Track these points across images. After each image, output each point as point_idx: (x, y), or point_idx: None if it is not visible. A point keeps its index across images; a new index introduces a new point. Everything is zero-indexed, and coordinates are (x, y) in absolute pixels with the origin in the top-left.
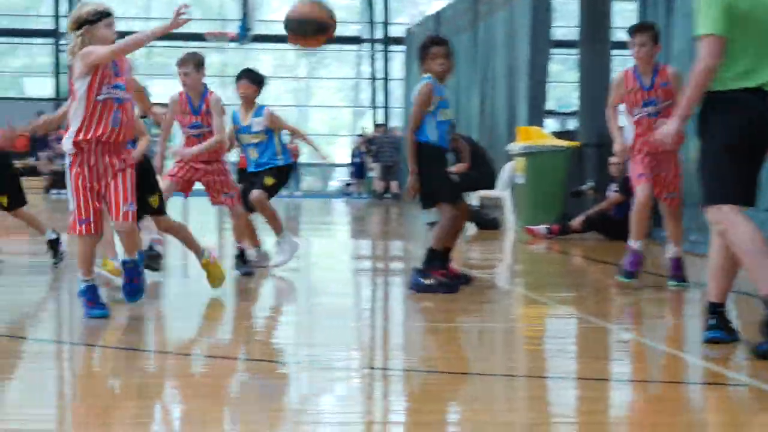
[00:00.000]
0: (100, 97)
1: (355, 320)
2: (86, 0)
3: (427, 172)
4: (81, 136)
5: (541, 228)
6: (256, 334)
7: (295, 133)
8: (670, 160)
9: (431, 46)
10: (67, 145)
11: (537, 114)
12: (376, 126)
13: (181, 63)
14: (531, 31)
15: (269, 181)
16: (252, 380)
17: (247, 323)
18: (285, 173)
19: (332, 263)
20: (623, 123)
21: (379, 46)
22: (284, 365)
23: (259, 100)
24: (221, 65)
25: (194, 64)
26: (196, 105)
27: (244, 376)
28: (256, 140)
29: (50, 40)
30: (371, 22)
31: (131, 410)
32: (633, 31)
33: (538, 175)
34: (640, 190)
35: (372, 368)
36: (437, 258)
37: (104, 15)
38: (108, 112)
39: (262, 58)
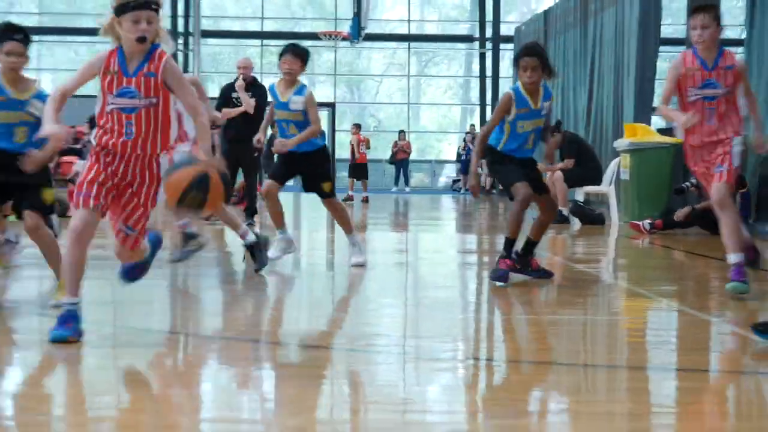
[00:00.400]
0: (107, 109)
1: (461, 312)
2: None
3: (495, 170)
4: (97, 141)
5: (645, 223)
6: (363, 325)
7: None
8: (717, 150)
9: (522, 56)
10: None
11: (644, 111)
12: (484, 123)
13: None
14: (640, 28)
15: (327, 187)
16: (360, 370)
17: (354, 315)
18: (327, 156)
19: (439, 257)
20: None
21: (488, 45)
22: (391, 356)
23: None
24: (335, 63)
25: None
26: None
27: (352, 366)
28: (293, 118)
29: (257, 42)
30: (481, 21)
31: (245, 399)
32: (693, 11)
33: (644, 171)
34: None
35: (476, 359)
36: (508, 246)
37: (130, 7)
38: (118, 124)
39: (374, 57)
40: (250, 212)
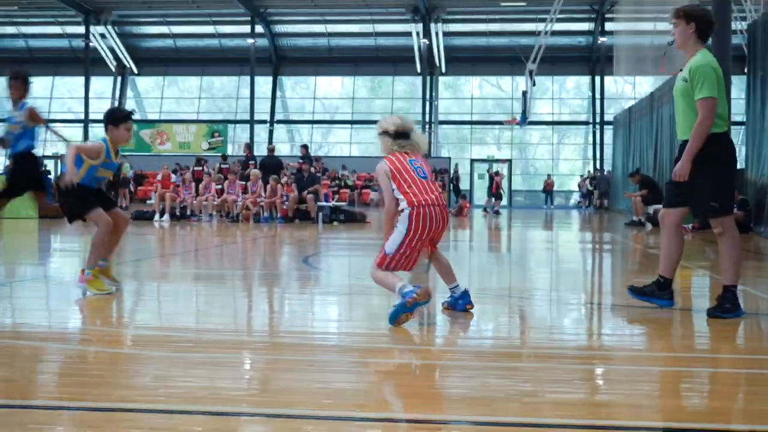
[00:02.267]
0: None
1: (582, 275)
2: None
3: None
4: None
5: (689, 226)
6: (527, 281)
7: None
8: None
9: None
10: None
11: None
12: (596, 169)
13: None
14: None
15: None
16: (525, 309)
17: (521, 277)
18: None
19: (571, 244)
20: None
21: (597, 127)
22: (543, 301)
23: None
24: (511, 137)
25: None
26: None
27: (520, 307)
28: None
29: (468, 126)
30: (593, 113)
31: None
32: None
33: None
34: None
35: (591, 304)
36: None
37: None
38: None
39: (533, 134)
40: None
